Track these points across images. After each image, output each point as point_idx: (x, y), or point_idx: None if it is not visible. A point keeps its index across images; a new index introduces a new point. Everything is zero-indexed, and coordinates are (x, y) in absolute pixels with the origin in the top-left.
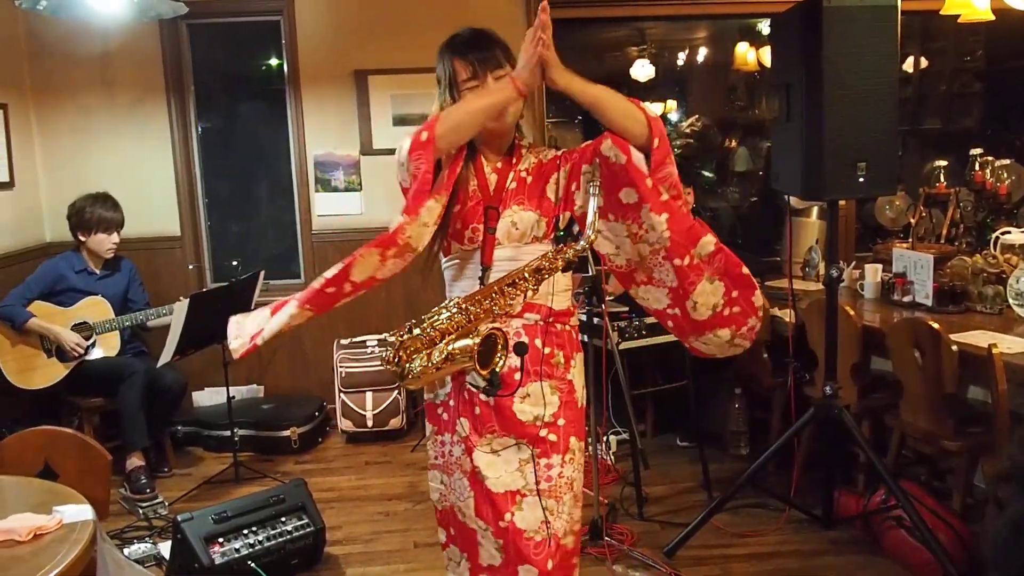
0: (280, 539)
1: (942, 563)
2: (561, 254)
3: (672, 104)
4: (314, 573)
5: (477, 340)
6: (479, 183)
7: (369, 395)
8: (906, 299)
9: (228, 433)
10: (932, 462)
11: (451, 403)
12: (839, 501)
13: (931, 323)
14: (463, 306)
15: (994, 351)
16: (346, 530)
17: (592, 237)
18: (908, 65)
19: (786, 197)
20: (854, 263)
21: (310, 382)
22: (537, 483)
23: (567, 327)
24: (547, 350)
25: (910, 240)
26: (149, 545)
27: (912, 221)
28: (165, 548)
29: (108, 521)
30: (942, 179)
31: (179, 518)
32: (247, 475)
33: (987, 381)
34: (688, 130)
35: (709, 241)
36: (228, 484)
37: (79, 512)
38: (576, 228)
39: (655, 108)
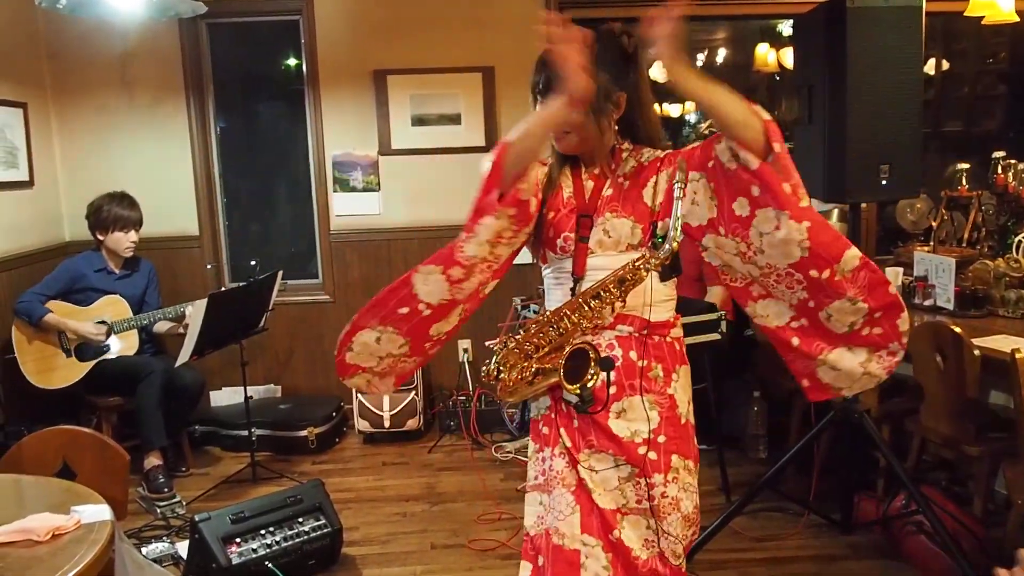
0: (297, 539)
1: (962, 569)
2: (643, 262)
3: (691, 105)
4: (331, 574)
5: (565, 355)
6: (575, 190)
7: (386, 396)
8: (927, 303)
9: (246, 433)
10: (953, 467)
11: (552, 416)
12: (858, 506)
13: (953, 327)
14: (553, 320)
15: (1017, 356)
16: (363, 531)
17: (676, 242)
18: (930, 67)
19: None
20: None
21: (328, 382)
22: (638, 501)
23: (667, 339)
24: (643, 363)
25: (932, 243)
26: (167, 544)
27: (934, 224)
28: (183, 548)
29: (126, 520)
30: (964, 182)
31: (196, 518)
32: (264, 475)
33: (1009, 386)
34: (707, 131)
35: (854, 255)
36: (245, 484)
37: (97, 512)
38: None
39: (675, 109)
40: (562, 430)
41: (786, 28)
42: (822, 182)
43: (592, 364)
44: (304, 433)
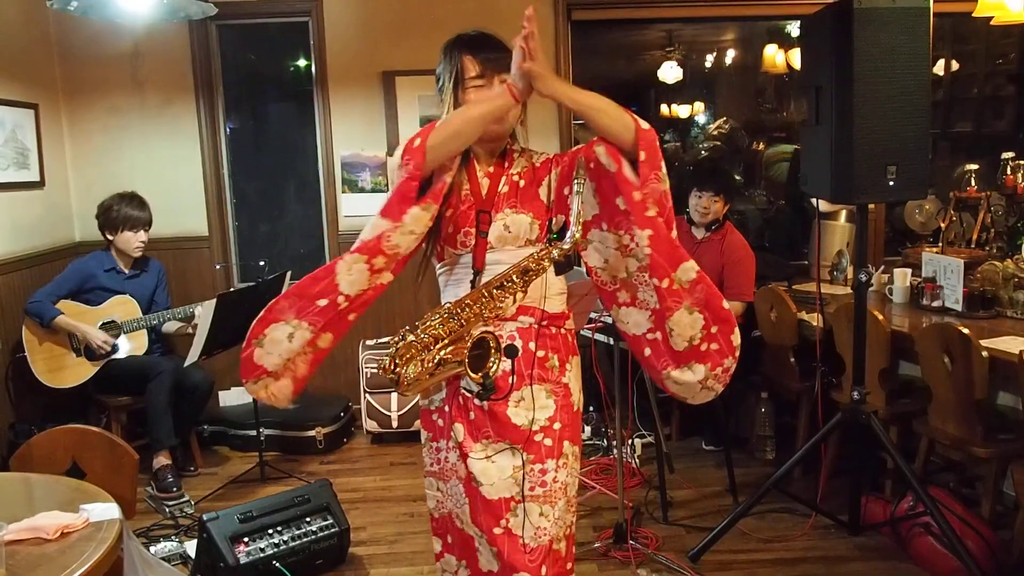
0: (305, 539)
1: (970, 570)
2: (547, 253)
3: (700, 106)
4: (339, 573)
5: (468, 344)
6: (471, 187)
7: (394, 396)
8: (935, 304)
9: (254, 433)
10: (961, 469)
11: (446, 409)
12: (866, 507)
13: (961, 328)
14: (454, 311)
15: None
16: (371, 531)
17: (577, 234)
18: (939, 68)
19: (814, 201)
20: (883, 267)
21: (336, 382)
22: (531, 488)
23: (562, 330)
24: (541, 353)
25: (940, 244)
26: (175, 544)
27: (942, 225)
28: (191, 547)
29: (134, 519)
30: (973, 183)
31: (205, 517)
32: (272, 475)
33: (1018, 387)
34: (716, 132)
35: (691, 267)
36: (254, 483)
37: (106, 511)
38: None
39: (683, 110)
40: (456, 425)
41: (794, 29)
42: (829, 183)
43: (493, 352)
44: (312, 433)
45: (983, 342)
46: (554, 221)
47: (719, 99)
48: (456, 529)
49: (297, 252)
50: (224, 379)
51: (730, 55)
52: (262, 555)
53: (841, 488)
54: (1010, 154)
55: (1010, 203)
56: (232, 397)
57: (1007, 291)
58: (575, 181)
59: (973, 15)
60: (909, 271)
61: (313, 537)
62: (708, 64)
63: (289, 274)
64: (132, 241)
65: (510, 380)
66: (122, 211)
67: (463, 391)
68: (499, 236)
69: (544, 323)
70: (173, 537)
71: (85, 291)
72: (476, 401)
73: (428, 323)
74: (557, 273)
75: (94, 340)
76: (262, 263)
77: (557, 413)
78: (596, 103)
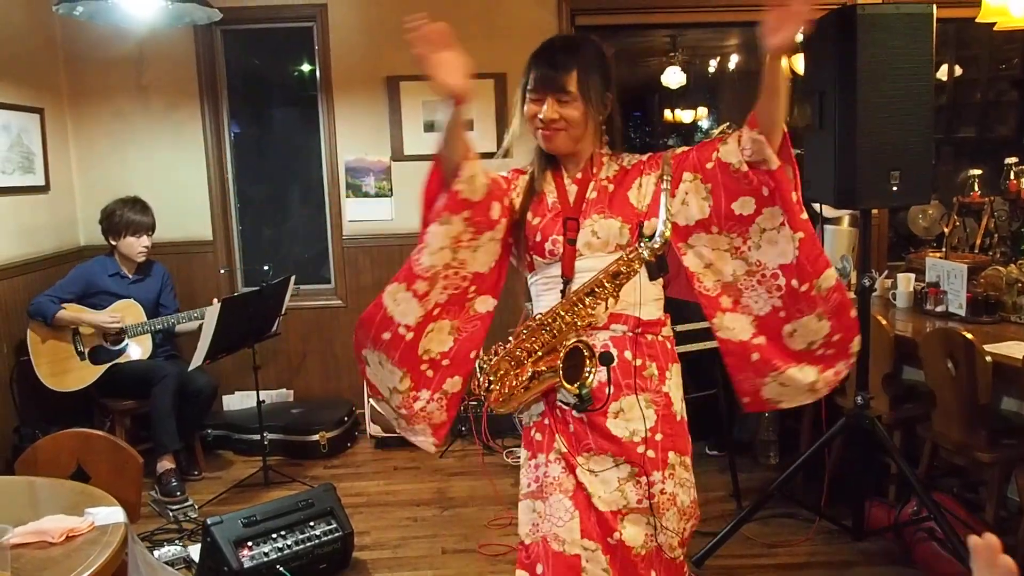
0: (309, 544)
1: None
2: (637, 254)
3: (703, 111)
4: None
5: (561, 355)
6: (559, 195)
7: None
8: (939, 309)
9: (258, 437)
10: (965, 474)
11: (546, 422)
12: (870, 512)
13: (965, 333)
14: (546, 321)
15: None
16: (374, 535)
17: (667, 233)
18: (942, 73)
19: (816, 206)
20: (886, 272)
21: (339, 387)
22: (639, 501)
23: (659, 337)
24: (638, 362)
25: (943, 249)
26: (179, 548)
27: (945, 230)
28: (195, 551)
29: (138, 523)
30: (976, 188)
31: (209, 521)
32: (276, 479)
33: (1021, 392)
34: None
35: (833, 275)
36: (257, 488)
37: (111, 514)
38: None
39: (687, 115)
40: (558, 436)
41: (798, 34)
42: (833, 188)
43: (588, 361)
44: (316, 437)
45: (987, 347)
46: (646, 225)
47: (722, 104)
48: (552, 554)
49: (301, 257)
50: (228, 383)
51: (733, 60)
52: (266, 559)
53: (845, 493)
54: (1013, 159)
55: (1013, 208)
56: (236, 401)
57: (1011, 296)
58: (663, 179)
59: (976, 20)
60: (913, 276)
61: (317, 541)
62: (711, 69)
63: (293, 279)
64: (135, 246)
65: (607, 391)
66: (125, 216)
67: (560, 404)
68: (587, 242)
69: (639, 330)
70: (177, 541)
71: (89, 296)
72: (574, 413)
73: (520, 336)
74: (650, 276)
75: (101, 321)
76: (266, 268)
77: (658, 423)
78: (785, 96)
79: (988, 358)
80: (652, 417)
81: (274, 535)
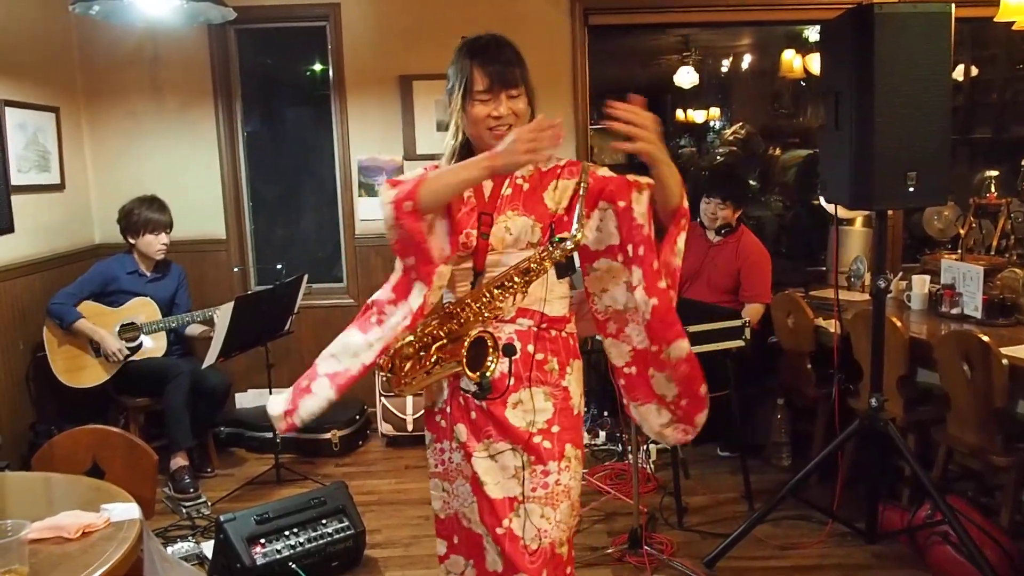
0: (321, 541)
1: None
2: (548, 253)
3: (716, 111)
4: (354, 575)
5: (466, 344)
6: (475, 190)
7: (409, 399)
8: (954, 311)
9: (270, 435)
10: (980, 477)
11: (448, 410)
12: (883, 515)
13: (980, 336)
14: (454, 311)
15: None
16: (386, 533)
17: (579, 235)
18: (959, 73)
19: (826, 205)
20: (901, 274)
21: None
22: (533, 490)
23: (563, 333)
24: (540, 356)
25: (959, 251)
26: (192, 544)
27: (961, 232)
28: (208, 547)
29: (152, 520)
30: (993, 189)
31: (222, 518)
32: (288, 477)
33: None
34: (732, 137)
35: (683, 347)
36: (270, 485)
37: (127, 511)
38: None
39: (699, 115)
40: (457, 426)
41: (812, 34)
42: (848, 189)
43: (491, 352)
44: (328, 436)
45: (1003, 350)
46: (555, 226)
47: (735, 104)
48: (463, 529)
49: (314, 256)
50: (241, 381)
51: (747, 60)
52: (278, 556)
53: (858, 496)
54: None
55: None
56: (249, 399)
57: None
58: (581, 186)
59: (994, 20)
60: (928, 278)
61: (329, 539)
62: (724, 69)
63: (306, 277)
64: (154, 244)
65: (507, 382)
66: (143, 215)
67: (462, 391)
68: (500, 238)
69: (544, 326)
70: (190, 538)
71: (107, 293)
72: (475, 401)
73: (427, 324)
74: (559, 275)
75: (109, 348)
76: (279, 266)
77: (556, 416)
78: (676, 178)
79: (1004, 361)
80: (550, 410)
81: (286, 532)
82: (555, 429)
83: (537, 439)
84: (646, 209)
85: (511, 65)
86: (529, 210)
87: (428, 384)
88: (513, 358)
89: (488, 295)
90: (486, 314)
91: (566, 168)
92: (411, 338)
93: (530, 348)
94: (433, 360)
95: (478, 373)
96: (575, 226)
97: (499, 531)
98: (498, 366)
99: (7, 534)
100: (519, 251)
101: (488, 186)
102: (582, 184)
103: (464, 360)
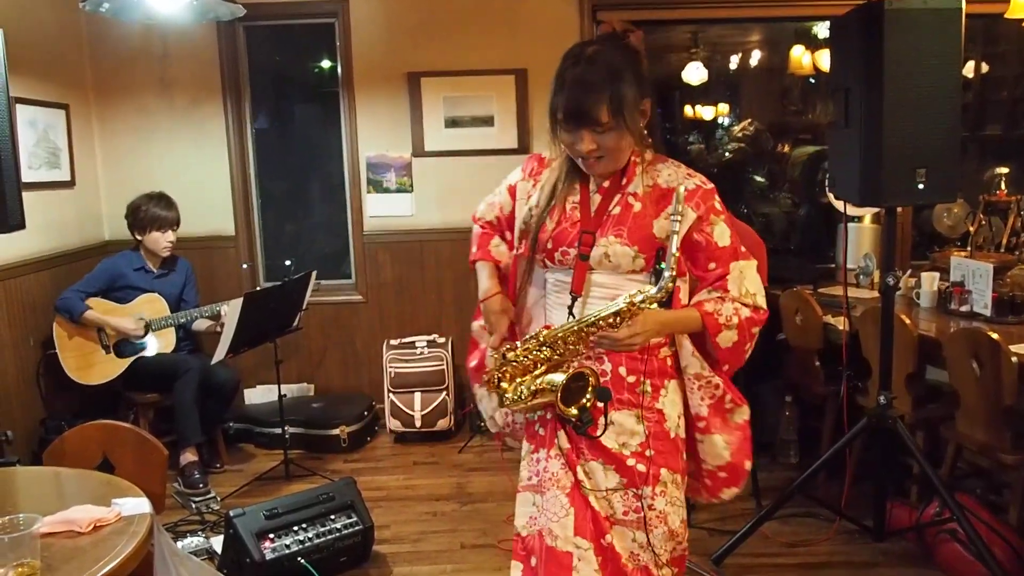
0: (330, 536)
1: None
2: (641, 303)
3: (724, 108)
4: (362, 571)
5: (564, 378)
6: (581, 205)
7: (418, 395)
8: (964, 309)
9: (279, 431)
10: (988, 475)
11: (548, 416)
12: (891, 513)
13: (990, 333)
14: (551, 342)
15: None
16: (394, 529)
17: (671, 283)
18: (969, 69)
19: (835, 202)
20: (910, 271)
21: (360, 382)
22: (625, 513)
23: (659, 355)
24: (631, 379)
25: (969, 248)
26: (201, 539)
27: (971, 229)
28: (217, 542)
29: (162, 515)
30: (1003, 186)
31: (231, 513)
32: (297, 472)
33: None
34: (740, 134)
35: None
36: (279, 481)
37: (137, 505)
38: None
39: (707, 112)
40: (560, 432)
41: (822, 30)
42: (858, 185)
43: (590, 389)
44: (336, 432)
45: (1012, 347)
46: (663, 252)
47: (743, 101)
48: (545, 548)
49: (322, 252)
50: (250, 377)
51: (756, 56)
52: (287, 551)
53: (866, 493)
54: None
55: None
56: (257, 395)
57: None
58: (672, 219)
59: (1005, 16)
60: (937, 275)
61: (338, 534)
62: (733, 65)
63: (315, 274)
64: (160, 241)
65: (606, 416)
66: (150, 211)
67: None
68: (599, 261)
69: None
70: (199, 532)
71: (115, 289)
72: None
73: (528, 345)
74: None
75: (125, 327)
76: (288, 263)
77: (650, 439)
78: (683, 325)
79: (1014, 359)
80: (642, 433)
81: (295, 528)
82: (649, 453)
83: (631, 462)
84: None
85: (595, 98)
86: (634, 239)
87: (532, 407)
88: (604, 380)
89: (583, 332)
90: (581, 349)
91: (692, 197)
92: (512, 356)
93: (622, 371)
94: (532, 390)
95: (577, 407)
96: (667, 271)
97: (603, 543)
98: (591, 403)
99: (19, 528)
100: (619, 275)
101: (596, 201)
102: (673, 217)
103: (559, 394)
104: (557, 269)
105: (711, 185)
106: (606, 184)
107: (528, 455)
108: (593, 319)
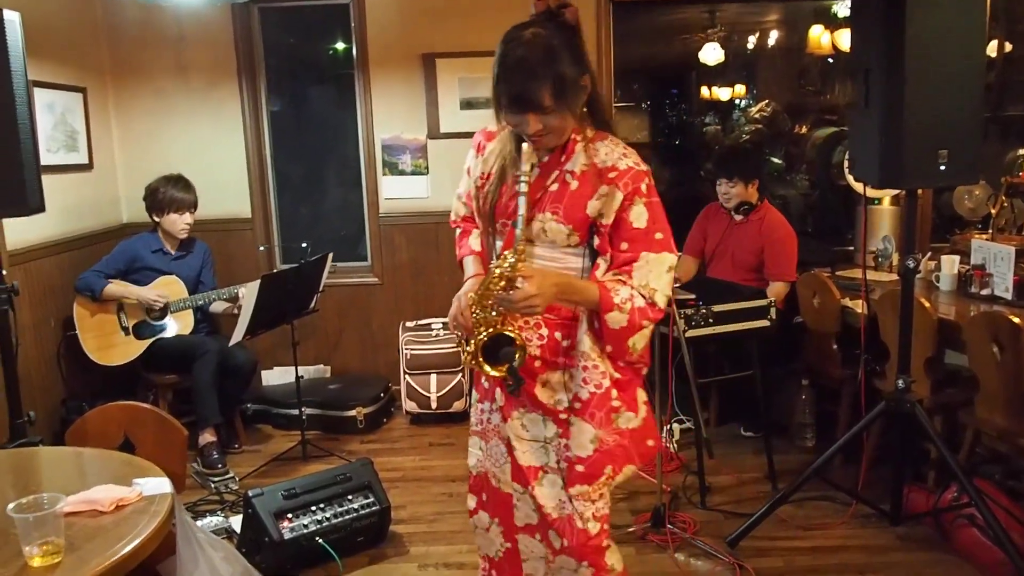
0: (347, 516)
1: (1015, 563)
2: (505, 266)
3: (741, 89)
4: (379, 550)
5: (476, 341)
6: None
7: (433, 377)
8: (984, 292)
9: (296, 412)
10: (1007, 461)
11: (485, 384)
12: (908, 497)
13: (1011, 317)
14: (476, 303)
15: None
16: (410, 509)
17: (520, 247)
18: (991, 49)
19: (854, 184)
20: (929, 253)
21: (376, 363)
22: (557, 462)
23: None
24: (566, 342)
25: (990, 231)
26: (221, 518)
27: (992, 211)
28: (236, 522)
29: (181, 494)
30: None
31: (250, 493)
32: (314, 453)
33: None
34: (757, 115)
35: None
36: (296, 461)
37: (158, 485)
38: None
39: (724, 93)
40: (498, 390)
41: (842, 9)
42: (878, 167)
43: (517, 347)
44: (353, 413)
45: None
46: (594, 228)
47: (761, 81)
48: (491, 488)
49: (338, 234)
50: (267, 359)
51: (773, 36)
52: (305, 531)
53: (882, 477)
54: None
55: None
56: (275, 377)
57: None
58: (520, 181)
59: None
60: (957, 258)
61: (355, 515)
62: (751, 46)
63: (331, 256)
64: (178, 223)
65: (535, 364)
66: (168, 193)
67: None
68: (538, 235)
69: (572, 321)
70: (219, 512)
71: (133, 271)
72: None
73: (472, 309)
74: (510, 390)
75: (147, 296)
76: (304, 245)
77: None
78: (580, 295)
79: None
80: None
81: (313, 508)
82: (577, 406)
83: (563, 415)
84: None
85: (536, 84)
86: (568, 218)
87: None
88: (541, 343)
89: (485, 297)
90: (493, 314)
91: (624, 178)
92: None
93: (558, 335)
94: (473, 350)
95: (504, 367)
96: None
97: (529, 490)
98: (521, 360)
99: (43, 507)
100: (556, 248)
101: (534, 173)
102: (522, 181)
103: (477, 356)
104: (500, 238)
105: (645, 167)
106: (546, 159)
107: (476, 403)
108: (487, 284)
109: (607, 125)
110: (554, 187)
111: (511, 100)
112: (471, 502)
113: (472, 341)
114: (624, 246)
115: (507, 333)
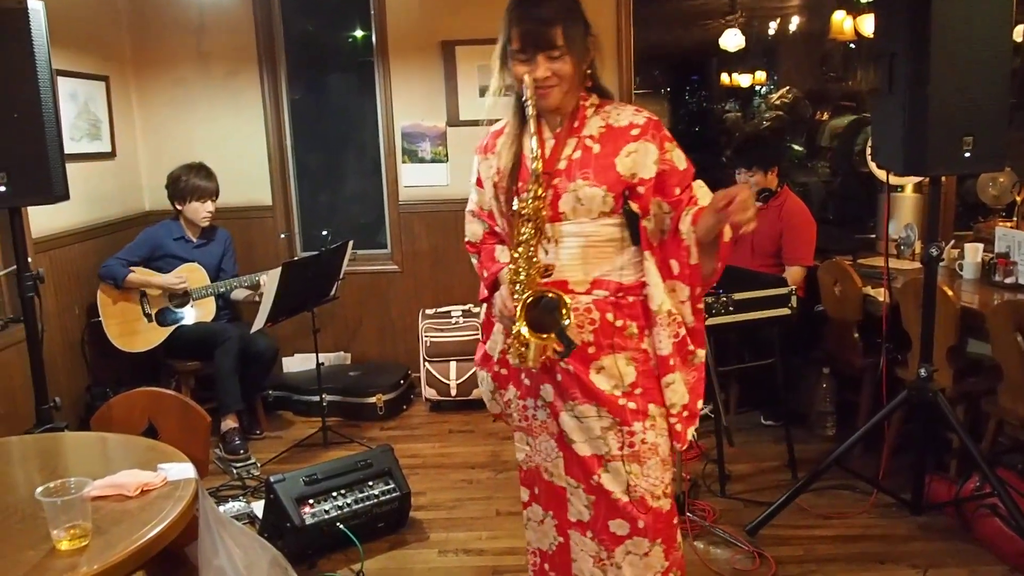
0: (368, 502)
1: None
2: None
3: (762, 75)
4: (399, 536)
5: (522, 306)
6: (539, 153)
7: (453, 364)
8: (1008, 280)
9: (317, 398)
10: None
11: (533, 368)
12: (930, 486)
13: None
14: (516, 279)
15: None
16: (430, 496)
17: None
18: (1019, 34)
19: (876, 171)
20: (952, 241)
21: (396, 351)
22: (620, 448)
23: (640, 297)
24: (619, 323)
25: (1015, 219)
26: (243, 504)
27: (1017, 199)
28: (258, 507)
29: (204, 480)
30: None
31: (272, 479)
32: (335, 439)
33: None
34: (778, 102)
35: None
36: (316, 448)
37: (182, 470)
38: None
39: (744, 79)
40: (544, 386)
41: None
42: (902, 153)
43: (563, 311)
44: (373, 400)
45: None
46: (628, 192)
47: (782, 68)
48: (544, 482)
49: (358, 222)
50: (288, 346)
51: (795, 22)
52: (326, 517)
53: (903, 466)
54: None
55: None
56: (296, 363)
57: None
58: (527, 104)
59: None
60: (981, 246)
61: (376, 501)
62: (772, 31)
63: (351, 243)
64: (200, 211)
65: (589, 351)
66: (190, 181)
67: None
68: (572, 208)
69: (620, 295)
70: (241, 497)
71: (155, 259)
72: (561, 364)
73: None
74: (634, 243)
75: (169, 282)
76: (325, 232)
77: (639, 379)
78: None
79: None
80: (632, 373)
81: (334, 494)
82: (638, 391)
83: (622, 401)
84: (690, 226)
85: (549, 24)
86: (600, 180)
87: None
88: (593, 327)
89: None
90: (532, 273)
91: (647, 131)
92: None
93: (609, 316)
94: (518, 331)
95: (550, 335)
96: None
97: (592, 482)
98: (571, 320)
99: (70, 492)
100: (591, 220)
101: (550, 145)
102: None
103: (525, 320)
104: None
105: (656, 118)
106: (559, 129)
107: (516, 400)
108: (525, 256)
109: (609, 93)
110: (577, 155)
111: (523, 40)
112: (524, 495)
113: (517, 309)
114: (678, 190)
115: (549, 296)
